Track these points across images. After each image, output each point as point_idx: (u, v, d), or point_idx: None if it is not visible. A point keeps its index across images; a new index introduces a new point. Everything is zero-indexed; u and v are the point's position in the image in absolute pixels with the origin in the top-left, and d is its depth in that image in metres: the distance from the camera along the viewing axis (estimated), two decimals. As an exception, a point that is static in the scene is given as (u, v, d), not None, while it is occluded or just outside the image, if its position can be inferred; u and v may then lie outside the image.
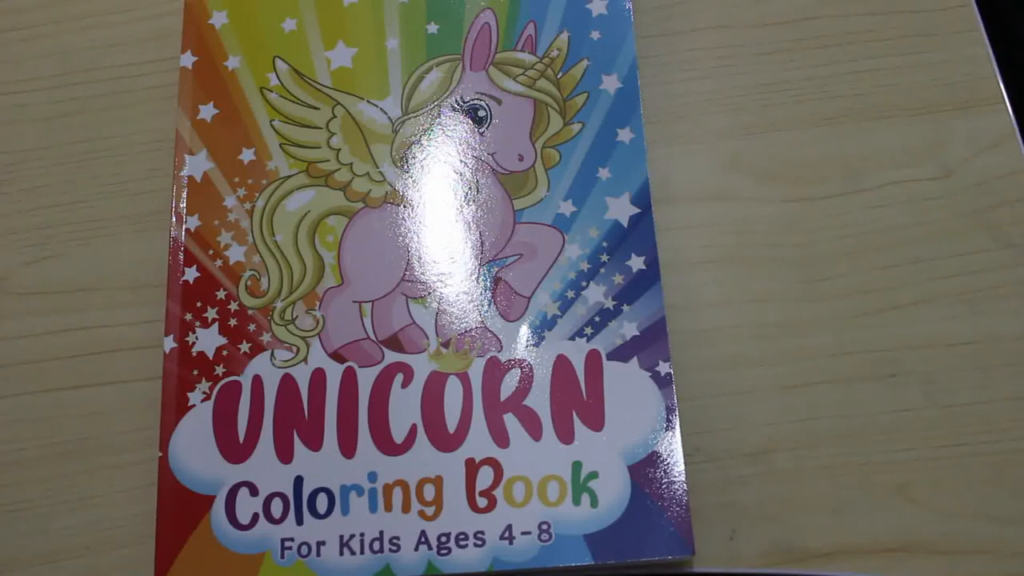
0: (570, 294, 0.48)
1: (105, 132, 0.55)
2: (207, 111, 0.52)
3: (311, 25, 0.53)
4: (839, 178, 0.52)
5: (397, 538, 0.44)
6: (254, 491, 0.45)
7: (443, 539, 0.44)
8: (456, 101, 0.51)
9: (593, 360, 0.46)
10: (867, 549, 0.45)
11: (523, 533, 0.44)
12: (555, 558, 0.44)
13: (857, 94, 0.53)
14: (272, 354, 0.47)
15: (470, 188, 0.50)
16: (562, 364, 0.46)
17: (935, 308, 0.49)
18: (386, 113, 0.51)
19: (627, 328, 0.47)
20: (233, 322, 0.48)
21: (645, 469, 0.45)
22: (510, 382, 0.46)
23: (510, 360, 0.47)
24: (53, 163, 0.55)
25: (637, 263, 0.48)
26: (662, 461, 0.45)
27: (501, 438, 0.45)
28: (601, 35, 0.52)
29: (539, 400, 0.46)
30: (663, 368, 0.46)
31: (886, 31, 0.54)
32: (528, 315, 0.47)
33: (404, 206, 0.50)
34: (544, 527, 0.44)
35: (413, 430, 0.46)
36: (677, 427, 0.45)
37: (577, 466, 0.45)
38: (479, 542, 0.44)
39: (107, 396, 0.50)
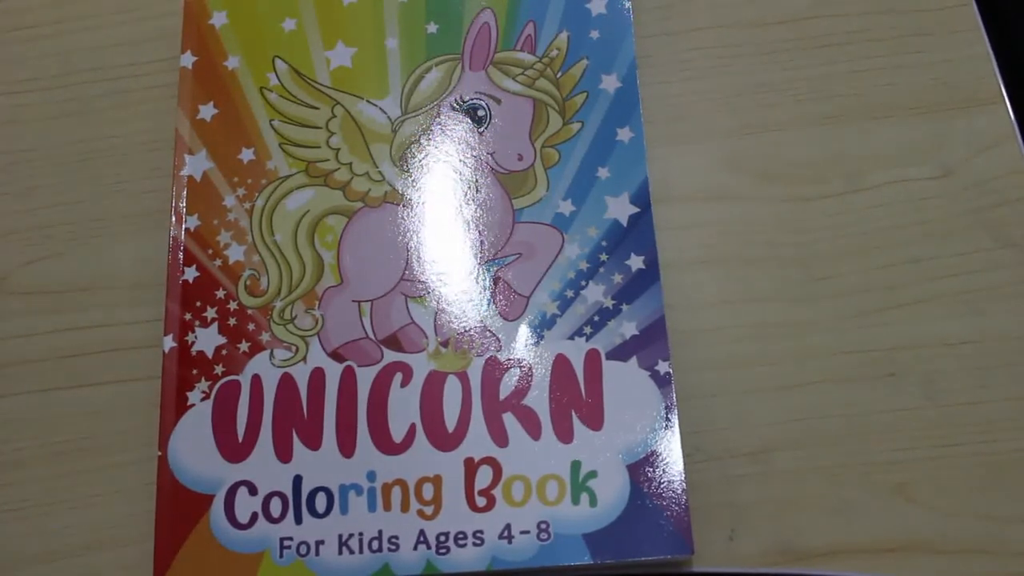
0: (569, 293, 0.48)
1: (105, 132, 0.55)
2: (207, 111, 0.52)
3: (311, 25, 0.53)
4: (839, 178, 0.52)
5: (396, 537, 0.44)
6: (253, 490, 0.45)
7: (442, 538, 0.44)
8: (455, 101, 0.51)
9: (592, 359, 0.46)
10: (867, 549, 0.45)
11: (522, 532, 0.44)
12: (554, 557, 0.43)
13: (857, 94, 0.53)
14: (271, 353, 0.47)
15: (469, 188, 0.50)
16: (561, 363, 0.46)
17: (935, 308, 0.49)
18: (385, 113, 0.51)
19: (626, 327, 0.47)
20: (232, 321, 0.48)
21: (644, 468, 0.45)
22: (509, 381, 0.46)
23: (509, 359, 0.47)
24: (53, 163, 0.55)
25: (636, 262, 0.48)
26: (661, 460, 0.45)
27: (500, 437, 0.45)
28: (600, 35, 0.52)
29: (538, 399, 0.46)
30: (662, 367, 0.46)
31: (886, 31, 0.54)
32: (527, 314, 0.47)
33: (403, 206, 0.50)
34: (543, 526, 0.44)
35: (412, 429, 0.46)
36: (676, 426, 0.45)
37: (576, 465, 0.45)
38: (478, 541, 0.44)
39: (106, 396, 0.50)
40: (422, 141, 0.51)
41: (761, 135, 0.53)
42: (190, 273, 0.49)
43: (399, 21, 0.53)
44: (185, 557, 0.45)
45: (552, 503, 0.44)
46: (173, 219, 0.50)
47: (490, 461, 0.45)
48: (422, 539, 0.44)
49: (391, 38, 0.53)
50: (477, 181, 0.50)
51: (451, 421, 0.46)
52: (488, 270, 0.48)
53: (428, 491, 0.45)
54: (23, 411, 0.50)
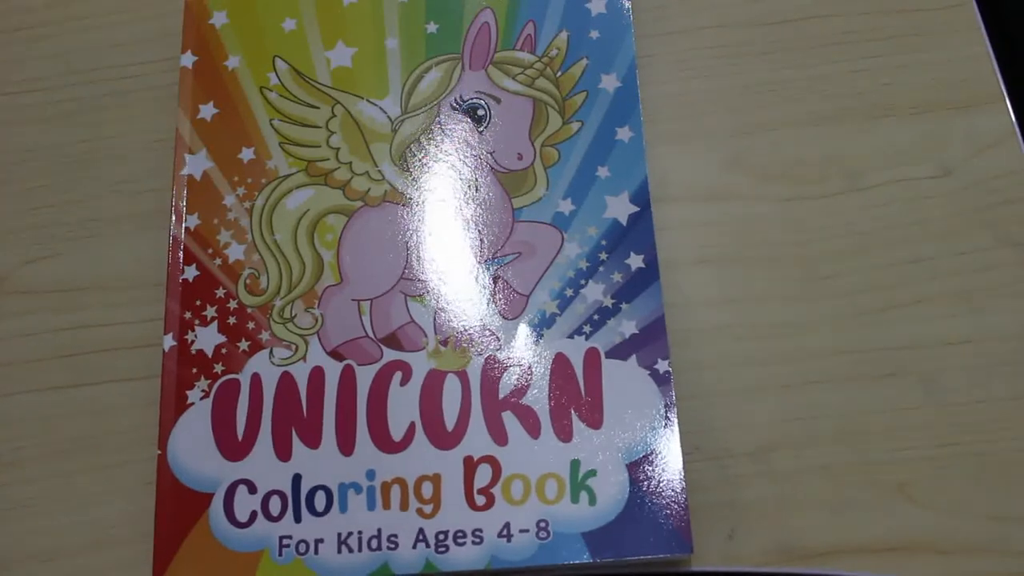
0: (569, 292, 0.48)
1: (105, 132, 0.55)
2: (207, 111, 0.52)
3: (311, 25, 0.53)
4: (839, 177, 0.52)
5: (395, 536, 0.44)
6: (252, 489, 0.45)
7: (441, 537, 0.44)
8: (455, 100, 0.52)
9: (592, 358, 0.46)
10: (867, 548, 0.45)
11: (521, 531, 0.44)
12: (553, 556, 0.43)
13: (857, 93, 0.53)
14: (271, 352, 0.47)
15: (469, 187, 0.50)
16: (561, 362, 0.46)
17: (935, 307, 0.49)
18: (385, 112, 0.51)
19: (626, 326, 0.47)
20: (232, 320, 0.48)
21: (644, 467, 0.44)
22: (509, 380, 0.46)
23: (509, 358, 0.47)
24: (53, 163, 0.55)
25: (636, 261, 0.48)
26: (661, 459, 0.45)
27: (499, 436, 0.45)
28: (600, 34, 0.52)
29: (538, 398, 0.46)
30: (662, 366, 0.46)
31: (886, 30, 0.54)
32: (527, 313, 0.47)
33: (403, 205, 0.50)
34: (542, 525, 0.44)
35: (412, 428, 0.46)
36: (676, 425, 0.45)
37: (575, 464, 0.45)
38: (477, 540, 0.44)
39: (106, 394, 0.50)
40: (422, 140, 0.51)
41: (761, 135, 0.53)
42: (190, 272, 0.49)
43: (399, 21, 0.53)
44: (184, 556, 0.45)
45: (551, 502, 0.44)
46: (173, 218, 0.50)
47: (489, 460, 0.45)
48: (421, 538, 0.44)
49: (391, 38, 0.53)
50: (477, 180, 0.50)
51: (450, 420, 0.46)
52: (488, 269, 0.48)
53: (427, 489, 0.45)
54: (23, 411, 0.50)
